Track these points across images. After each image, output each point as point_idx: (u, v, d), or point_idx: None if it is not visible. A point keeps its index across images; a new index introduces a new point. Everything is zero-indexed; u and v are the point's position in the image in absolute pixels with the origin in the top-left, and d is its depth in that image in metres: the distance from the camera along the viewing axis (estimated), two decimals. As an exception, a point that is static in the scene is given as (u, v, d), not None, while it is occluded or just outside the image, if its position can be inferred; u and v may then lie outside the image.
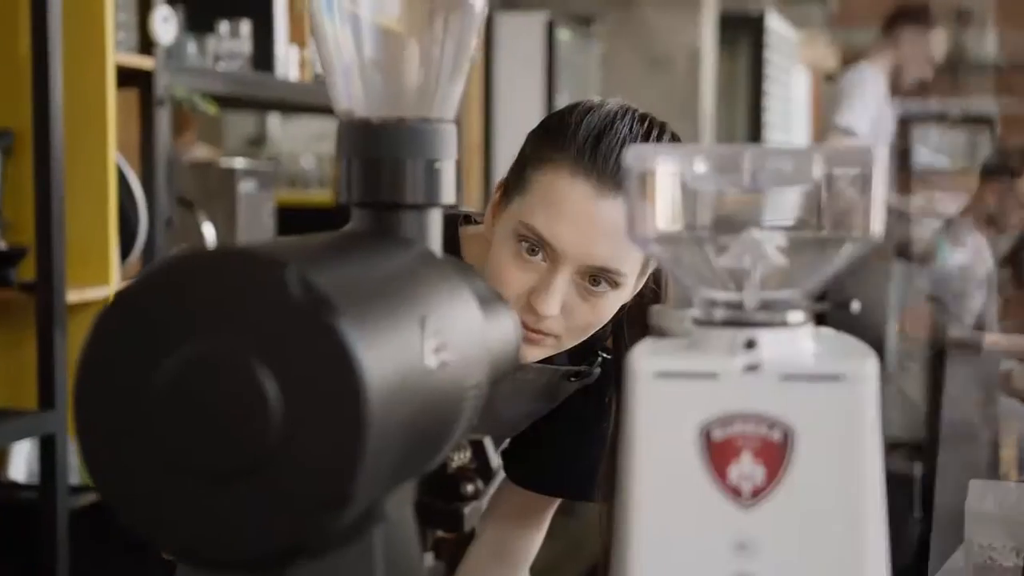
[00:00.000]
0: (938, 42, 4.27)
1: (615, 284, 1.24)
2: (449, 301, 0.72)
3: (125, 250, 2.50)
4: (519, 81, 4.63)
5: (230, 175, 2.97)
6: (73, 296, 2.34)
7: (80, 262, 2.40)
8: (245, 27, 2.94)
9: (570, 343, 1.28)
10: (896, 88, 4.32)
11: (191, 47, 2.85)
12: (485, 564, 1.48)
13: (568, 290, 1.23)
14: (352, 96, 0.79)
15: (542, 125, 1.29)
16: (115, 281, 2.43)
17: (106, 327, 0.61)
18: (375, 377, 0.59)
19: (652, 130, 1.26)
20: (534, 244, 1.23)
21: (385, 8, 0.79)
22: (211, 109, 2.67)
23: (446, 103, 0.80)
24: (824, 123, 9.14)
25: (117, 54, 2.46)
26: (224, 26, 2.96)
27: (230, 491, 0.59)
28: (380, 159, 0.77)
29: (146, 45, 2.56)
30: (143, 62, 2.55)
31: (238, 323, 0.59)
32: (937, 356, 4.03)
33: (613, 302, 1.26)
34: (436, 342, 0.68)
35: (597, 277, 1.23)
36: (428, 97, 0.79)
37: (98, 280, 2.42)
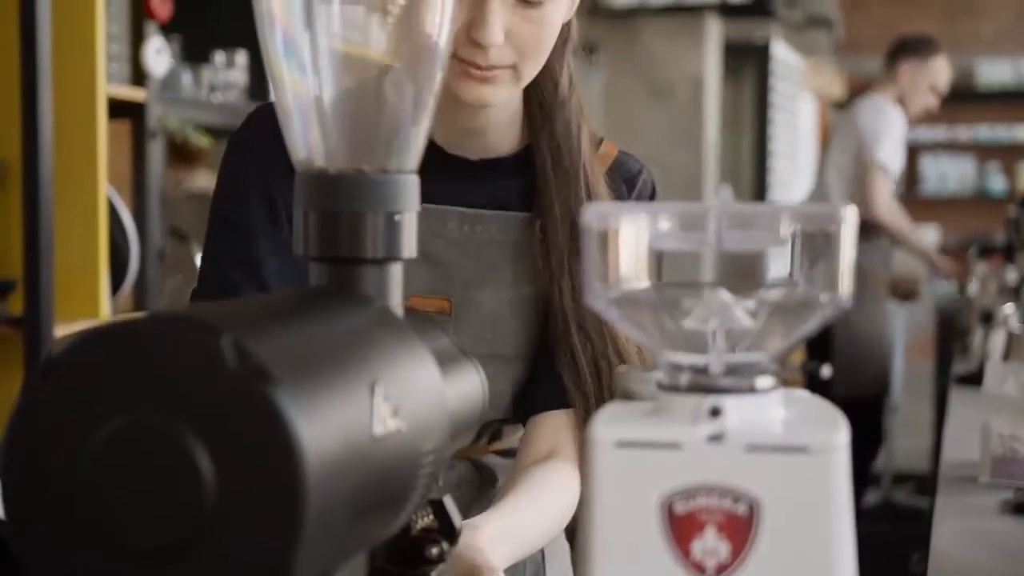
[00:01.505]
0: (940, 72, 4.25)
1: None
2: (405, 364, 0.69)
3: (116, 283, 2.48)
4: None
5: (225, 206, 2.94)
6: (62, 331, 2.31)
7: (70, 295, 2.38)
8: (241, 57, 2.93)
9: (529, 71, 1.25)
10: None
11: (186, 77, 2.83)
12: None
13: (505, 14, 1.20)
14: (310, 145, 0.76)
15: None
16: (105, 315, 2.40)
17: (34, 397, 0.58)
18: (315, 448, 0.56)
19: None
20: None
21: (343, 56, 0.77)
22: (203, 141, 2.64)
23: (407, 153, 0.77)
24: (824, 147, 9.15)
25: (109, 86, 2.44)
26: (219, 56, 2.94)
27: (161, 571, 0.56)
28: (338, 212, 0.74)
29: (139, 77, 2.54)
30: (135, 94, 2.53)
31: (171, 393, 0.56)
32: (942, 391, 4.00)
33: (556, 14, 1.23)
34: (388, 407, 0.65)
35: None
36: (388, 147, 0.76)
37: (88, 314, 2.39)
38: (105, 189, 2.41)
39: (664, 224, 0.65)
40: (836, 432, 0.63)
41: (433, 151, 1.33)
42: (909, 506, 5.13)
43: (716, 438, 0.63)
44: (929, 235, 10.00)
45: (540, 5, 1.21)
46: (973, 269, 4.77)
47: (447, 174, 1.32)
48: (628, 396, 0.70)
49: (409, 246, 0.76)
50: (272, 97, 0.79)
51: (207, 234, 1.31)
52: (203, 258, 1.32)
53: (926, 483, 4.76)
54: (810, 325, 0.65)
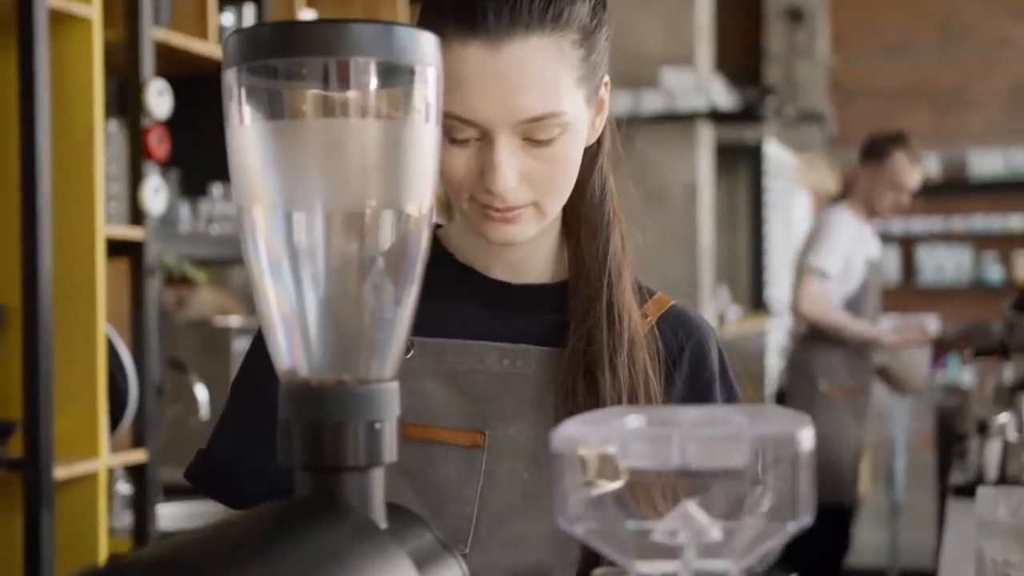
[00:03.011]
0: (898, 168, 4.31)
1: (561, 128, 1.15)
2: (384, 579, 0.72)
3: (115, 420, 2.50)
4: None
5: (225, 334, 2.98)
6: (61, 472, 2.33)
7: (69, 436, 2.40)
8: (237, 189, 2.97)
9: (553, 205, 1.19)
10: (872, 215, 4.43)
11: (184, 211, 2.88)
12: None
13: (516, 156, 1.14)
14: (294, 357, 0.79)
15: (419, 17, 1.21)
16: (104, 454, 2.42)
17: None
18: None
19: None
20: (460, 129, 1.14)
21: (324, 270, 0.80)
22: (200, 276, 2.68)
23: (386, 361, 0.80)
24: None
25: (108, 226, 2.48)
26: (216, 188, 3.00)
27: None
28: (321, 422, 0.77)
29: (137, 215, 2.58)
30: (134, 233, 2.57)
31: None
32: (943, 493, 3.99)
33: (570, 147, 1.16)
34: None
35: (538, 129, 1.13)
36: (369, 357, 0.79)
37: (87, 454, 2.41)
38: (104, 329, 2.44)
39: (630, 445, 0.68)
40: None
41: (472, 276, 1.29)
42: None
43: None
44: (929, 324, 10.05)
45: (550, 143, 1.15)
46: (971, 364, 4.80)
47: (488, 303, 1.28)
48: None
49: (390, 451, 0.78)
50: (256, 303, 0.81)
51: (228, 399, 1.33)
52: (222, 420, 1.33)
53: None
54: (776, 540, 0.68)
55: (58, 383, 2.35)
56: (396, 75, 0.77)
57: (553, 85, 1.13)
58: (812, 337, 4.31)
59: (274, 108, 0.79)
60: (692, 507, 0.69)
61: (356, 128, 0.77)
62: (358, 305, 0.81)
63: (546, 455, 1.24)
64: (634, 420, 0.72)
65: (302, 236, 0.78)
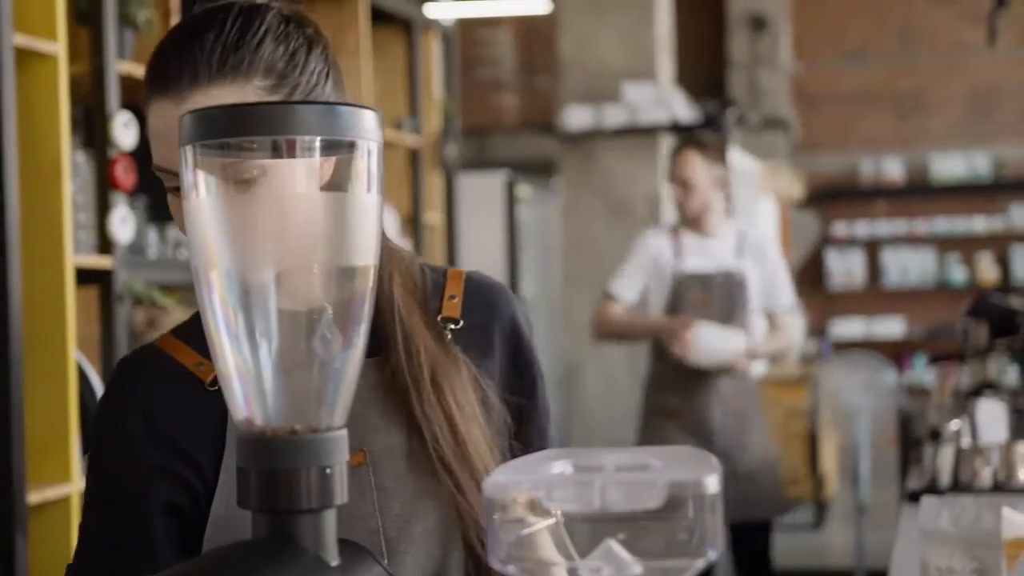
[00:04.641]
0: (689, 166, 4.09)
1: (261, 171, 1.08)
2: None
3: (87, 445, 2.55)
4: (482, 239, 4.72)
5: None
6: (34, 497, 2.38)
7: (41, 461, 2.45)
8: (204, 214, 3.02)
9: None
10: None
11: (152, 237, 2.94)
12: None
13: None
14: (250, 408, 0.85)
15: None
16: (76, 478, 2.47)
17: None
18: None
19: (219, 16, 1.19)
20: (168, 178, 1.18)
21: (276, 327, 0.86)
22: (168, 302, 2.74)
23: (335, 410, 0.86)
24: (787, 245, 9.30)
25: (76, 255, 2.54)
26: (184, 214, 3.05)
27: None
28: (275, 469, 0.83)
29: (105, 244, 2.64)
30: (102, 262, 2.62)
31: None
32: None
33: (277, 193, 1.10)
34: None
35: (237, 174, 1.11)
36: (319, 407, 0.86)
37: (59, 478, 2.46)
38: (74, 355, 2.49)
39: (555, 491, 0.74)
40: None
41: None
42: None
43: None
44: (893, 326, 10.18)
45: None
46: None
47: None
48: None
49: (341, 493, 0.85)
50: (213, 358, 0.87)
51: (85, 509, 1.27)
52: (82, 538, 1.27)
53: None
54: (689, 573, 0.75)
55: (29, 409, 2.40)
56: (339, 149, 0.84)
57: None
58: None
59: (226, 182, 0.85)
60: (614, 545, 0.76)
61: (303, 198, 0.83)
62: (309, 358, 0.87)
63: (423, 452, 1.26)
64: (560, 466, 0.79)
65: (255, 296, 0.85)
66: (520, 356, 1.36)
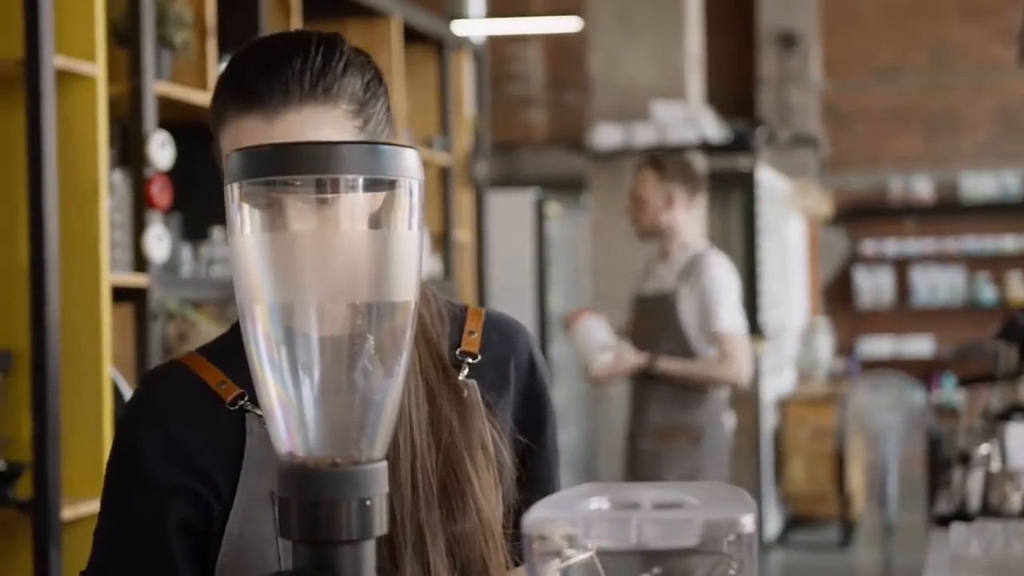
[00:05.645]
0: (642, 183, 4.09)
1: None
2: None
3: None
4: (511, 256, 4.72)
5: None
6: (69, 512, 2.41)
7: (77, 476, 2.48)
8: (238, 232, 3.05)
9: None
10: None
11: (186, 254, 2.97)
12: None
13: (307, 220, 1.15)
14: (292, 440, 0.87)
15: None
16: (110, 494, 2.50)
17: None
18: None
19: (300, 41, 1.22)
20: None
21: (318, 361, 0.88)
22: (200, 319, 2.77)
23: (375, 442, 0.88)
24: (815, 264, 9.27)
25: (113, 274, 2.57)
26: (218, 232, 3.08)
27: None
28: (317, 501, 0.85)
29: (141, 262, 2.67)
30: (137, 280, 2.66)
31: None
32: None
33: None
34: None
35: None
36: (359, 439, 0.87)
37: (94, 493, 2.49)
38: (109, 372, 2.52)
39: (594, 528, 0.76)
40: None
41: None
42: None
43: None
44: (921, 345, 10.13)
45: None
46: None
47: None
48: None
49: (380, 524, 0.86)
50: (256, 391, 0.89)
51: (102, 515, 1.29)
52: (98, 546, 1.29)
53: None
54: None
55: (65, 426, 2.43)
56: (381, 187, 0.86)
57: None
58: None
59: (271, 219, 0.87)
60: (650, 581, 0.77)
61: (346, 236, 0.85)
62: (350, 391, 0.89)
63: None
64: (597, 502, 0.80)
65: (298, 331, 0.87)
66: (534, 394, 1.37)
